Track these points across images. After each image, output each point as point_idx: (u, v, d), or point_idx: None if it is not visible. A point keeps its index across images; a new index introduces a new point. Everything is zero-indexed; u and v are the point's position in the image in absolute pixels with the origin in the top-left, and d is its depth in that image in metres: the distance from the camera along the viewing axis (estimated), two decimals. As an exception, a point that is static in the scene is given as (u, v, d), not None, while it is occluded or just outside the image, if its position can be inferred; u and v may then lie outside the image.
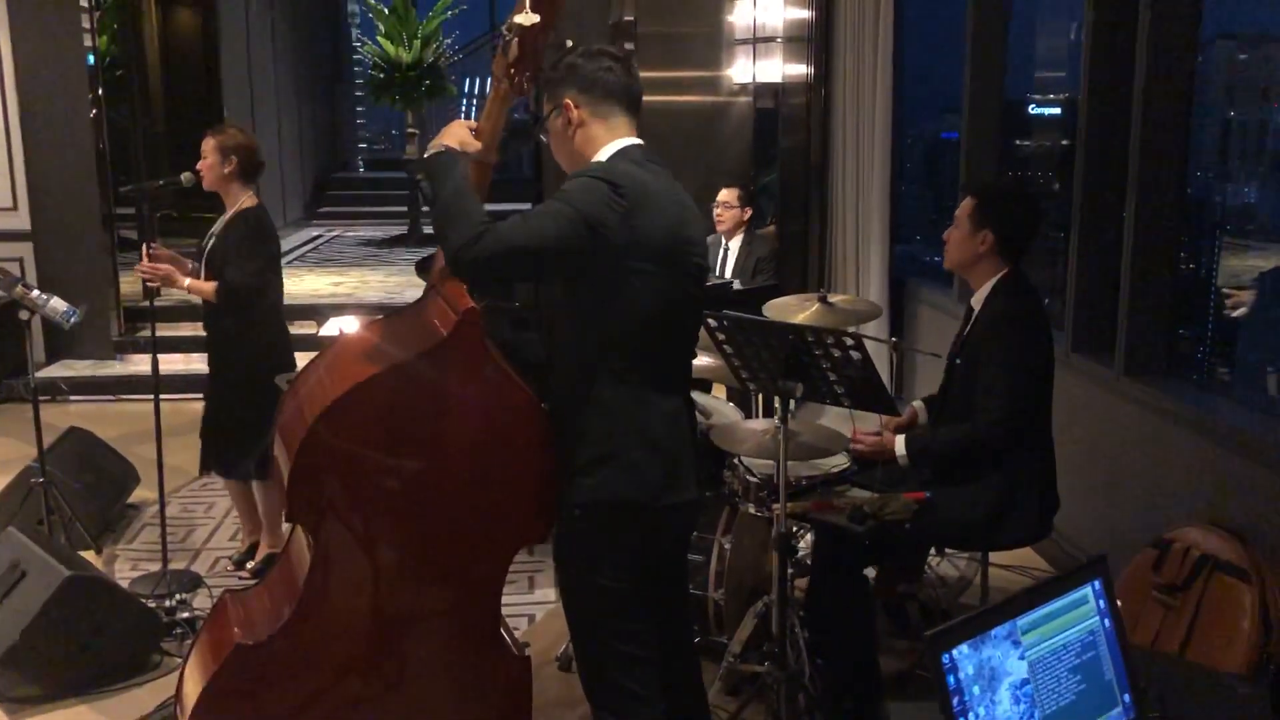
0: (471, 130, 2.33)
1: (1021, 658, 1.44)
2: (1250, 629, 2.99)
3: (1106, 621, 1.54)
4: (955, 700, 1.34)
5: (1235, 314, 5.21)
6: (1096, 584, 1.55)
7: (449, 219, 2.16)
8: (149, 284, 4.03)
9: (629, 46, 7.36)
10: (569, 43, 2.37)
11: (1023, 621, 1.45)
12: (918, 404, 3.40)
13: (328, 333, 4.26)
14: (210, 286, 3.94)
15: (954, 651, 1.35)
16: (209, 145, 3.98)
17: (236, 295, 3.94)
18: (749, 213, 5.53)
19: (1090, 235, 4.28)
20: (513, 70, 2.28)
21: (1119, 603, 2.12)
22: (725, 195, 5.50)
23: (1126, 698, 1.55)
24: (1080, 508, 4.05)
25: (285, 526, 2.60)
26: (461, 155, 2.27)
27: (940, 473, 3.12)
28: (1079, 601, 1.53)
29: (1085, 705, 1.50)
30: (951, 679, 1.34)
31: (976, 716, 1.37)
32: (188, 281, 3.97)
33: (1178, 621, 3.16)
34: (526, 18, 2.21)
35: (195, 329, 4.87)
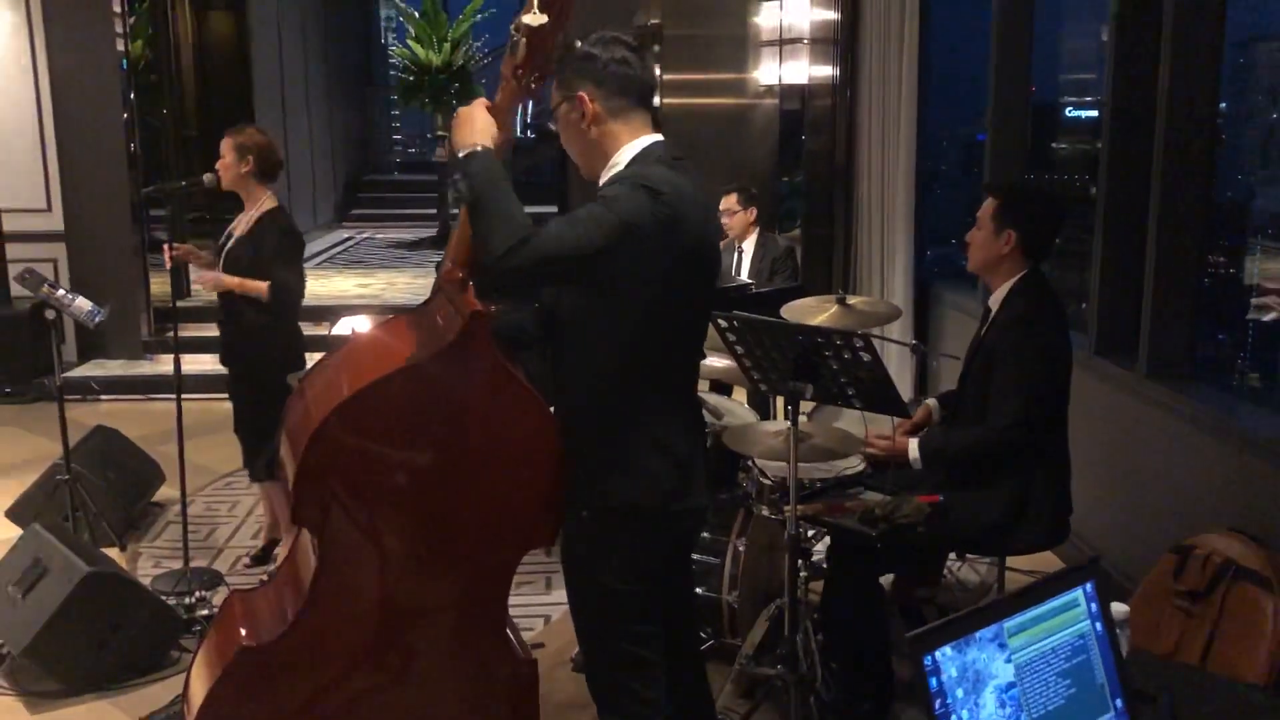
0: (488, 109, 2.28)
1: (1008, 661, 1.42)
2: (1272, 638, 2.94)
3: (1098, 625, 1.52)
4: (938, 703, 1.32)
5: (1266, 318, 5.14)
6: (1088, 587, 1.53)
7: (491, 223, 2.09)
8: (195, 283, 4.05)
9: (655, 49, 7.39)
10: (579, 43, 2.34)
11: (1010, 624, 1.43)
12: (931, 402, 3.37)
13: (339, 332, 4.29)
14: (262, 285, 3.97)
15: (937, 654, 1.34)
16: (226, 145, 4.03)
17: (288, 294, 4.01)
18: (754, 213, 5.51)
19: (1115, 237, 4.24)
20: (520, 71, 2.25)
21: (1121, 608, 2.09)
22: (726, 202, 5.47)
23: (1119, 703, 1.52)
24: (1101, 512, 4.00)
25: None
26: (496, 152, 2.21)
27: (954, 476, 3.09)
28: (1069, 604, 1.50)
29: (1075, 710, 1.47)
30: (934, 681, 1.33)
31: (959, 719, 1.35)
32: (241, 280, 3.99)
33: (1198, 630, 3.12)
34: (534, 18, 2.19)
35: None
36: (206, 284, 4.05)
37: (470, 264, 2.32)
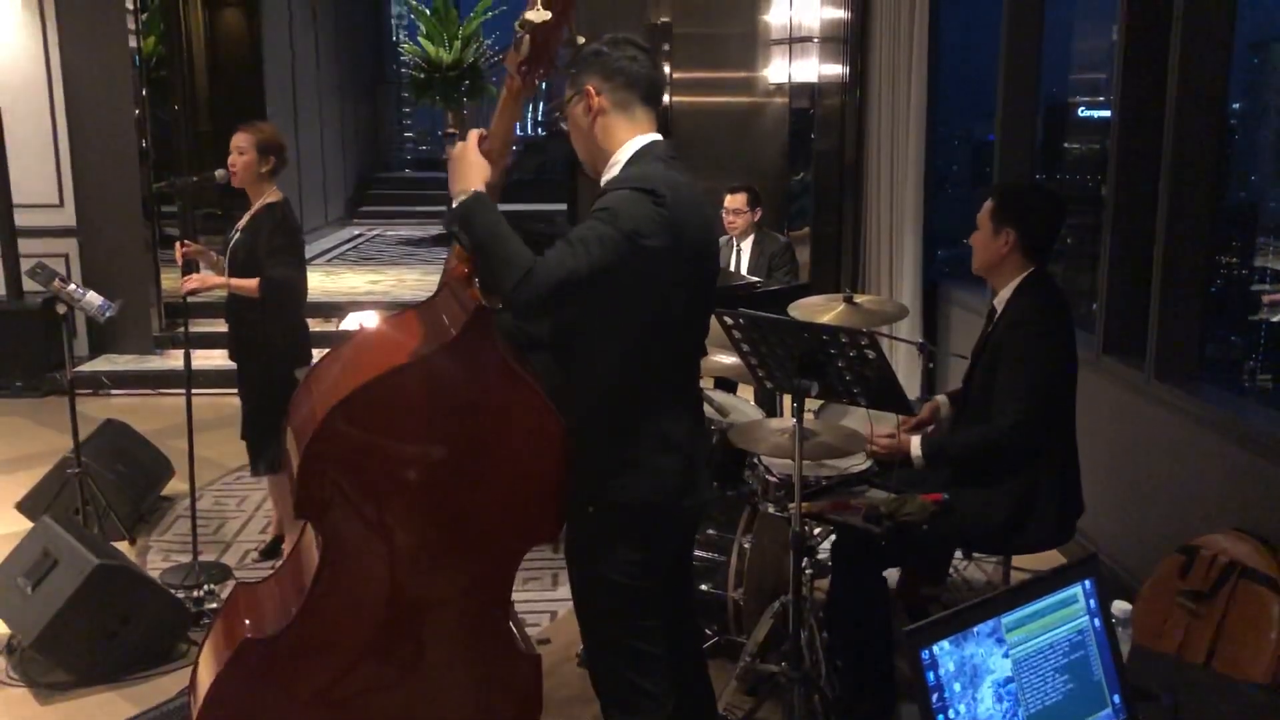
0: (482, 138, 2.30)
1: (1006, 656, 1.43)
2: (1277, 638, 2.94)
3: (1097, 621, 1.52)
4: (934, 697, 1.33)
5: (1276, 318, 5.13)
6: (1087, 583, 1.53)
7: (494, 266, 2.12)
8: (190, 293, 4.01)
9: (665, 48, 7.40)
10: (581, 39, 2.36)
11: (1008, 619, 1.43)
12: (941, 398, 3.37)
13: (347, 327, 4.30)
14: (252, 283, 3.93)
15: (934, 648, 1.34)
16: (246, 142, 3.97)
17: (280, 290, 3.95)
18: (759, 214, 5.54)
19: (1123, 237, 4.23)
20: (524, 67, 2.26)
21: (1124, 605, 2.10)
22: (733, 201, 5.49)
23: (1116, 698, 1.53)
24: (1108, 512, 3.99)
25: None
26: (494, 175, 2.23)
27: (961, 475, 3.09)
28: (1068, 601, 1.51)
29: (1073, 705, 1.48)
30: (931, 675, 1.33)
31: (956, 713, 1.35)
32: (228, 280, 3.98)
33: (1204, 629, 3.12)
34: (538, 14, 2.21)
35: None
36: (193, 288, 3.99)
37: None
